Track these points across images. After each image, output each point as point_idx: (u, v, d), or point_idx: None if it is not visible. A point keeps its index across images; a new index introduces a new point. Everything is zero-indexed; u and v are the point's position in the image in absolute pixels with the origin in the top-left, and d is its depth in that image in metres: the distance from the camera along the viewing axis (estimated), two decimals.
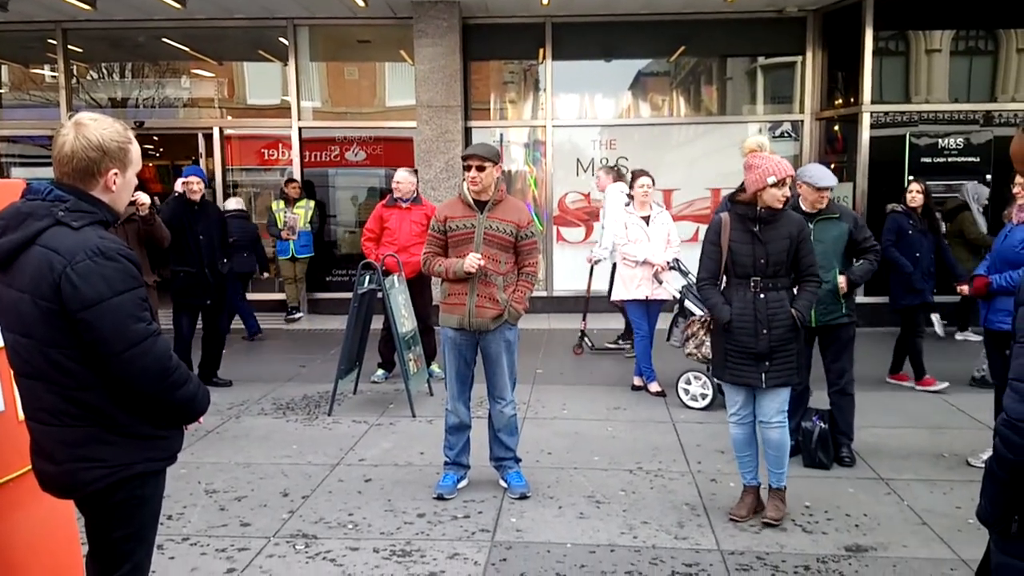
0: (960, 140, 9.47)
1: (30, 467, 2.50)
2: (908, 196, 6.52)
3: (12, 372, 2.26)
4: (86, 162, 2.12)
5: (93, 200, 2.15)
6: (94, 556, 2.30)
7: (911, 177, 6.73)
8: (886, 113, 9.55)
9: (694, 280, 6.16)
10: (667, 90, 10.81)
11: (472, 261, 4.17)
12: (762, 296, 3.92)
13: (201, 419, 2.37)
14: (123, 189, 2.23)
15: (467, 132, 10.23)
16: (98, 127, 2.14)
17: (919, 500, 4.35)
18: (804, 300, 3.98)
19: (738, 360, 3.99)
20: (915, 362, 6.59)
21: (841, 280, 4.72)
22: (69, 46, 10.61)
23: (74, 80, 10.83)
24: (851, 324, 4.83)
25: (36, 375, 2.12)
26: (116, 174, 2.17)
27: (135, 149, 2.23)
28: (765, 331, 3.89)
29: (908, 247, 6.42)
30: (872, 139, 9.51)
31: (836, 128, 10.27)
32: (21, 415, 2.54)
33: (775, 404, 4.00)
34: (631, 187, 6.55)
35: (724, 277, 4.09)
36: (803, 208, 4.72)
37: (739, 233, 3.97)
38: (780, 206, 3.91)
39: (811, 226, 4.76)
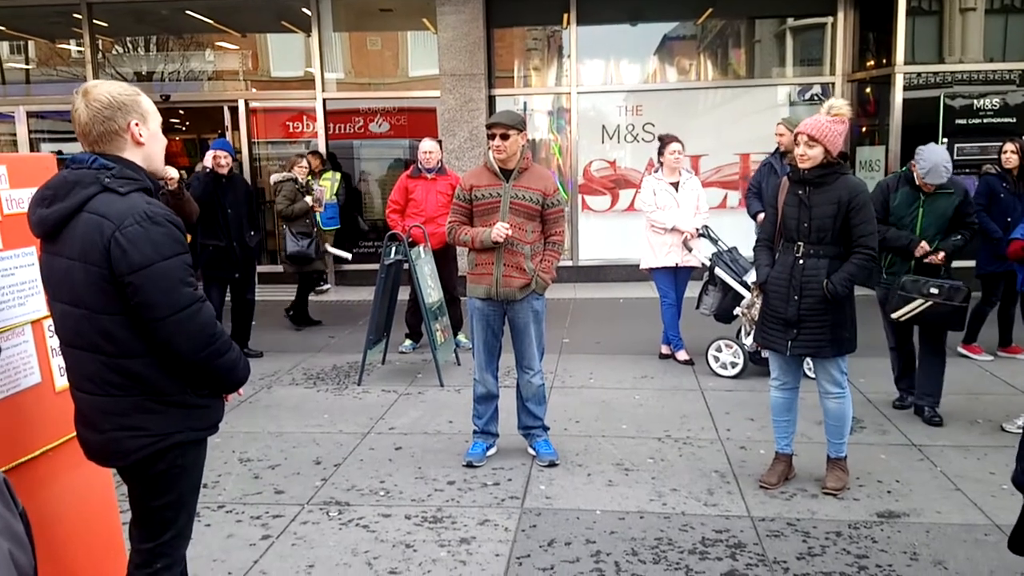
0: (996, 101, 9.23)
1: (68, 437, 2.56)
2: (1003, 157, 6.09)
3: (57, 343, 2.30)
4: (105, 122, 2.13)
5: (134, 166, 2.17)
6: (137, 523, 2.34)
7: (1006, 139, 6.21)
8: (919, 74, 9.32)
9: (724, 247, 6.13)
10: (694, 54, 10.62)
11: (500, 230, 4.15)
12: (801, 262, 3.84)
13: (241, 390, 2.39)
14: (152, 142, 2.23)
15: (491, 101, 10.15)
16: (103, 87, 2.16)
17: (952, 466, 4.31)
18: (844, 272, 3.77)
19: (770, 324, 3.97)
20: (972, 326, 6.39)
21: (937, 256, 4.75)
22: (94, 20, 10.65)
23: (100, 55, 10.88)
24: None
25: (83, 345, 2.15)
26: (138, 125, 2.18)
27: (147, 101, 2.23)
28: (796, 297, 3.84)
29: (1000, 212, 6.03)
30: (905, 101, 9.28)
31: (868, 90, 10.05)
32: (58, 386, 2.60)
33: (828, 374, 3.94)
34: (660, 153, 6.47)
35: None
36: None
37: (791, 196, 3.90)
38: (803, 164, 3.82)
39: (922, 199, 4.78)
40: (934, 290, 4.63)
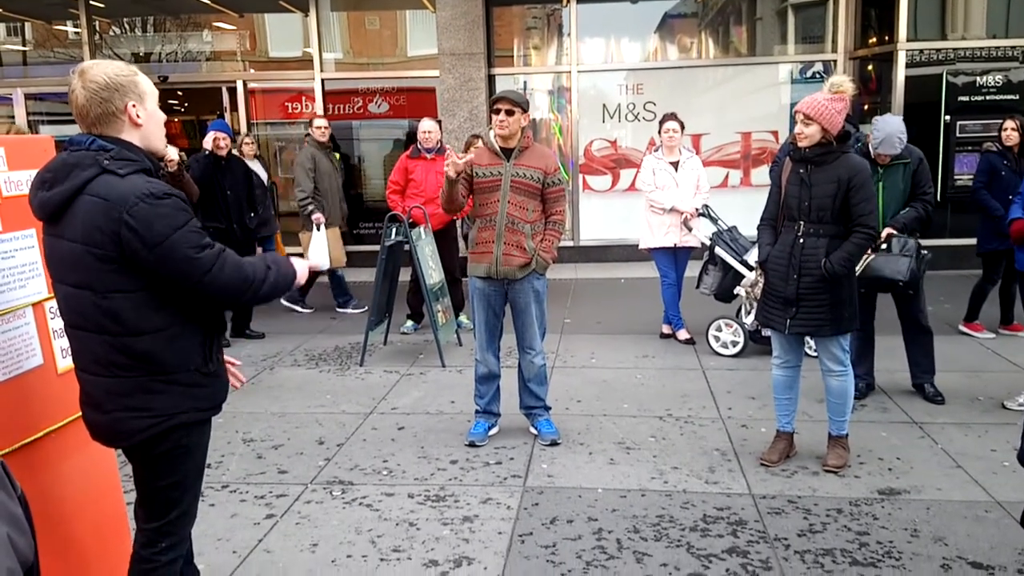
0: (999, 78, 9.17)
1: (71, 419, 2.57)
2: (1004, 135, 6.06)
3: (60, 324, 2.30)
4: (102, 104, 2.12)
5: (133, 147, 2.17)
6: (142, 503, 2.36)
7: (1006, 115, 6.15)
8: (922, 51, 9.25)
9: (724, 227, 6.12)
10: (695, 32, 10.54)
11: (450, 166, 4.06)
12: (801, 241, 3.84)
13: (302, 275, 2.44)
14: (150, 122, 2.22)
15: (490, 80, 10.09)
16: (100, 68, 2.14)
17: (953, 443, 4.33)
18: (843, 252, 3.76)
19: (771, 303, 3.98)
20: (973, 304, 6.40)
21: (885, 231, 4.63)
22: (91, 2, 10.57)
23: (97, 36, 10.82)
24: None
25: (88, 326, 2.16)
26: (135, 106, 2.17)
27: (144, 81, 2.22)
28: (795, 276, 3.84)
29: (1001, 189, 5.95)
30: (908, 78, 9.22)
31: (870, 68, 9.99)
32: (60, 368, 2.60)
33: (829, 352, 3.95)
34: (659, 132, 6.43)
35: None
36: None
37: (793, 175, 3.90)
38: (800, 143, 3.82)
39: (880, 171, 4.71)
40: (883, 245, 4.61)
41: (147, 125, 2.21)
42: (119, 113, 2.15)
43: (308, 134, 7.65)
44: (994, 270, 6.27)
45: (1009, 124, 6.04)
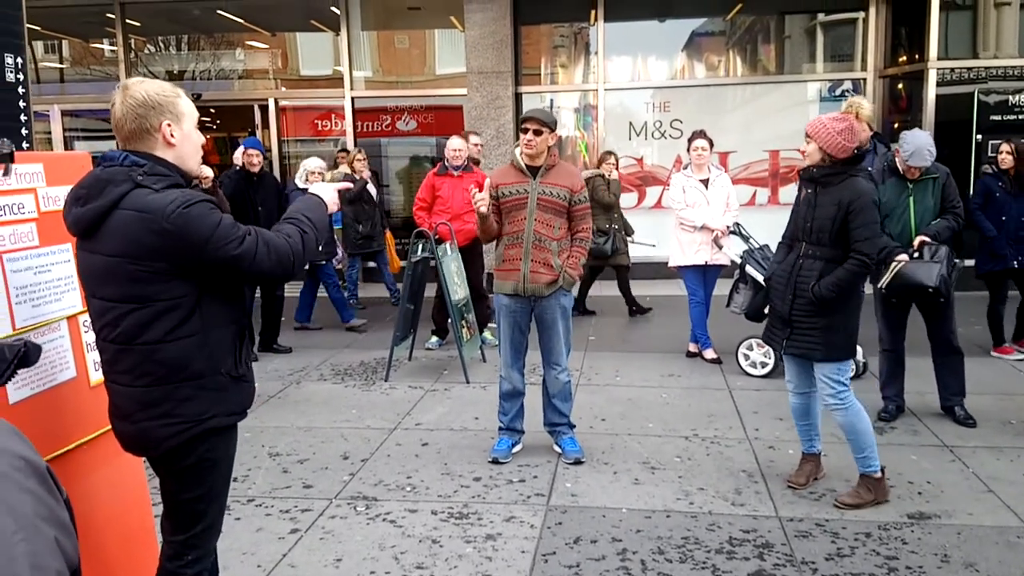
0: None
1: (102, 431, 2.60)
2: (999, 157, 6.17)
3: (92, 338, 2.34)
4: (137, 119, 2.16)
5: (165, 163, 2.20)
6: (168, 516, 2.38)
7: (1003, 138, 6.37)
8: (953, 70, 9.18)
9: (755, 245, 6.08)
10: (723, 50, 10.55)
11: (478, 203, 4.12)
12: (800, 262, 3.80)
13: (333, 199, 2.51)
14: (184, 143, 2.25)
15: (517, 98, 10.15)
16: (142, 86, 2.19)
17: (985, 467, 4.25)
18: (832, 277, 3.64)
19: (772, 321, 3.98)
20: (993, 328, 6.40)
21: (917, 239, 4.62)
22: (127, 20, 10.81)
23: (132, 54, 11.04)
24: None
25: (120, 338, 2.19)
26: (170, 126, 2.20)
27: (185, 103, 2.26)
28: (791, 296, 3.80)
29: (995, 211, 6.12)
30: (938, 97, 9.15)
31: (900, 86, 9.91)
32: (93, 380, 2.64)
33: (822, 380, 3.78)
34: (688, 149, 6.43)
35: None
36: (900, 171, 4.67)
37: (803, 195, 3.89)
38: (805, 160, 3.83)
39: (910, 187, 4.69)
40: (915, 253, 4.58)
41: (181, 145, 2.24)
42: (153, 131, 2.18)
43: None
44: (998, 290, 6.33)
45: (1004, 147, 6.19)
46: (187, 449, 2.26)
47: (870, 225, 3.67)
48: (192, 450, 2.26)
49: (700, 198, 6.24)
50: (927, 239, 4.62)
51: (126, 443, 2.33)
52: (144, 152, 2.19)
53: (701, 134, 6.35)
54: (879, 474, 3.84)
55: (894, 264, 4.56)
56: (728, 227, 6.20)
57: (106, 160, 2.19)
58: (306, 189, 7.22)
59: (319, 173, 7.15)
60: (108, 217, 2.13)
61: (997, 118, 9.10)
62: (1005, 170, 6.13)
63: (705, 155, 6.28)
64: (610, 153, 8.12)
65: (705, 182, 6.28)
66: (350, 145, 10.40)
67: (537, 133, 4.17)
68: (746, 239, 6.18)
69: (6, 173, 2.42)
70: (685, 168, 6.46)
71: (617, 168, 8.24)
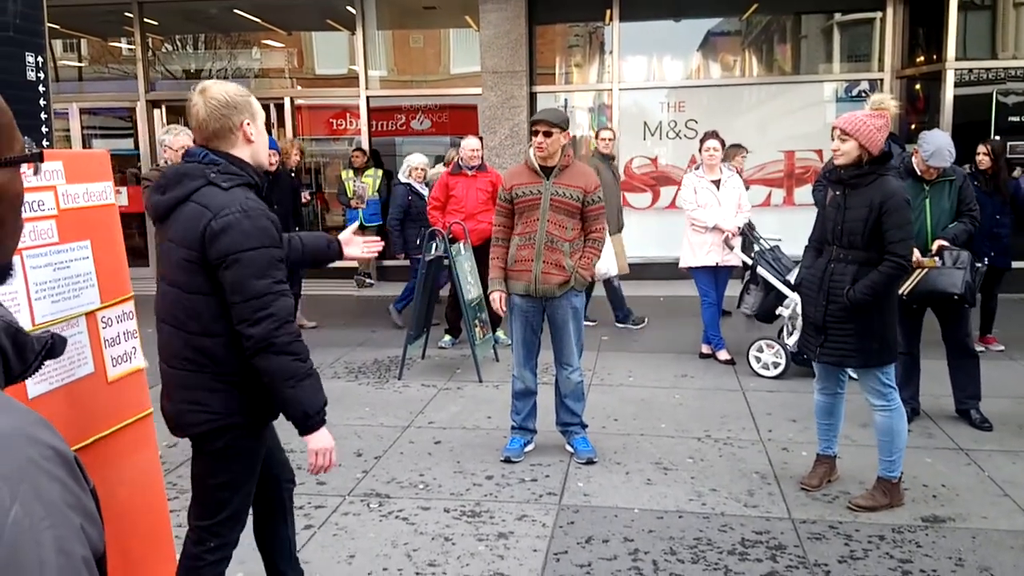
0: None
1: (119, 426, 2.64)
2: (977, 159, 6.30)
3: (111, 334, 2.46)
4: (221, 119, 2.31)
5: (240, 163, 2.35)
6: (195, 501, 2.50)
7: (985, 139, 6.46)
8: (971, 70, 9.11)
9: (766, 246, 6.07)
10: (738, 50, 10.51)
11: (495, 301, 4.43)
12: (832, 266, 3.73)
13: (318, 449, 2.42)
14: (259, 139, 2.41)
15: (532, 98, 10.16)
16: (220, 87, 2.35)
17: (1001, 471, 4.22)
18: (868, 280, 3.57)
19: (806, 328, 3.91)
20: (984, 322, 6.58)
21: (935, 244, 4.58)
22: (145, 19, 10.89)
23: (150, 53, 11.13)
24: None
25: (172, 322, 2.35)
26: (249, 124, 2.36)
27: (256, 102, 2.42)
28: (824, 302, 3.73)
29: None
30: (956, 98, 9.08)
31: (918, 87, 9.85)
32: (111, 376, 2.68)
33: (866, 385, 3.76)
34: (699, 150, 6.42)
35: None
36: (917, 171, 4.61)
37: (833, 197, 3.80)
38: (837, 160, 3.71)
39: (927, 189, 4.64)
40: (936, 259, 4.54)
41: (258, 142, 2.41)
42: (235, 129, 2.33)
43: (596, 147, 7.61)
44: (989, 289, 6.42)
45: (981, 149, 6.31)
46: (216, 435, 2.37)
47: (904, 226, 3.60)
48: (220, 437, 2.38)
49: (712, 199, 6.23)
50: (945, 243, 4.59)
51: (168, 422, 2.46)
52: (222, 151, 2.34)
53: (713, 135, 6.33)
54: (897, 479, 3.82)
55: (918, 271, 4.52)
56: (740, 228, 6.19)
57: (188, 156, 2.37)
58: (409, 184, 7.34)
59: (422, 169, 7.15)
60: (180, 207, 2.30)
61: (1016, 119, 9.03)
62: (983, 171, 6.25)
63: (717, 156, 6.26)
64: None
65: (717, 183, 6.27)
66: (364, 144, 10.44)
67: (547, 135, 4.17)
68: (757, 240, 6.16)
69: (36, 172, 2.45)
70: (697, 169, 6.44)
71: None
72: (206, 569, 2.46)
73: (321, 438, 2.40)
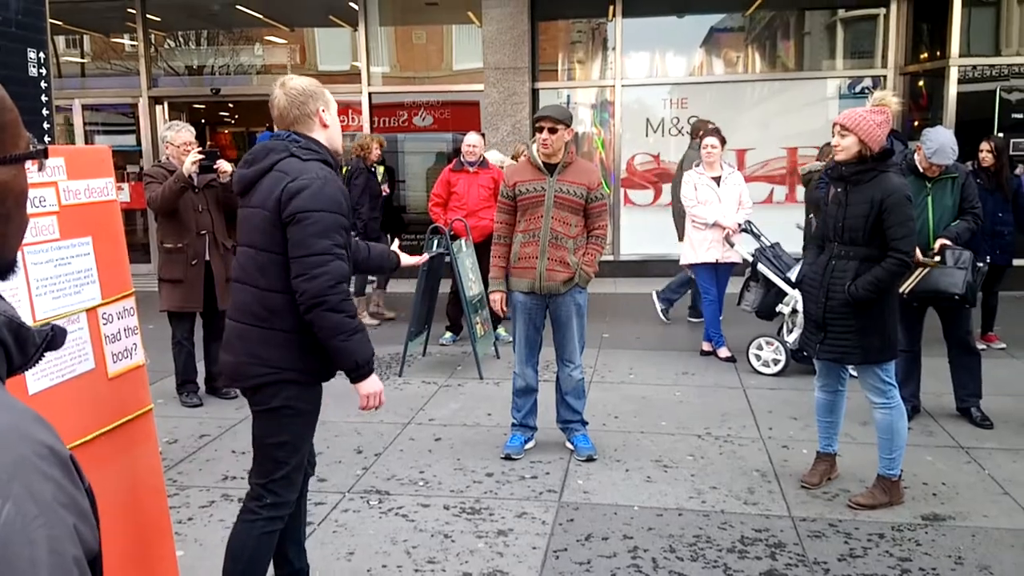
0: None
1: (119, 423, 2.64)
2: (980, 156, 6.27)
3: (112, 330, 2.56)
4: (300, 106, 2.57)
5: (318, 143, 2.60)
6: (254, 460, 2.67)
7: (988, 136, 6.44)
8: (975, 67, 9.08)
9: (767, 243, 6.06)
10: (741, 46, 10.48)
11: (495, 300, 4.51)
12: (833, 263, 3.73)
13: (368, 392, 2.72)
14: (333, 124, 2.66)
15: (534, 94, 10.15)
16: (298, 80, 2.62)
17: (1001, 469, 4.21)
18: (870, 276, 3.56)
19: (807, 325, 3.92)
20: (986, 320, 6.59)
21: (938, 243, 4.56)
22: (148, 15, 10.89)
23: (153, 49, 11.13)
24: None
25: (245, 279, 2.57)
26: (324, 111, 2.61)
27: (328, 92, 2.67)
28: (824, 299, 3.73)
29: None
30: (960, 95, 9.05)
31: (921, 83, 9.83)
32: (111, 372, 2.68)
33: (866, 382, 3.76)
34: (699, 147, 6.41)
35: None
36: (920, 168, 4.58)
37: (834, 194, 3.80)
38: (837, 157, 3.71)
39: (929, 186, 4.62)
40: (936, 257, 4.52)
41: (332, 127, 2.66)
42: (312, 115, 2.59)
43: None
44: (990, 286, 6.42)
45: (984, 146, 6.28)
46: (272, 392, 2.55)
47: (906, 223, 3.59)
48: (276, 394, 2.55)
49: (712, 196, 6.22)
50: (948, 242, 4.58)
51: (227, 372, 2.70)
52: (303, 134, 2.58)
53: (713, 132, 6.32)
54: (897, 477, 3.82)
55: (919, 270, 4.51)
56: (740, 225, 6.18)
57: (274, 136, 2.60)
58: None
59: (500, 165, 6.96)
60: (264, 177, 2.53)
61: (1019, 116, 9.01)
62: (985, 168, 6.22)
63: (716, 153, 6.24)
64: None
65: (717, 180, 6.26)
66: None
67: (552, 131, 4.17)
68: (758, 237, 6.16)
69: (40, 168, 2.46)
70: (697, 166, 6.44)
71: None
72: (259, 523, 2.61)
73: (371, 383, 2.69)
